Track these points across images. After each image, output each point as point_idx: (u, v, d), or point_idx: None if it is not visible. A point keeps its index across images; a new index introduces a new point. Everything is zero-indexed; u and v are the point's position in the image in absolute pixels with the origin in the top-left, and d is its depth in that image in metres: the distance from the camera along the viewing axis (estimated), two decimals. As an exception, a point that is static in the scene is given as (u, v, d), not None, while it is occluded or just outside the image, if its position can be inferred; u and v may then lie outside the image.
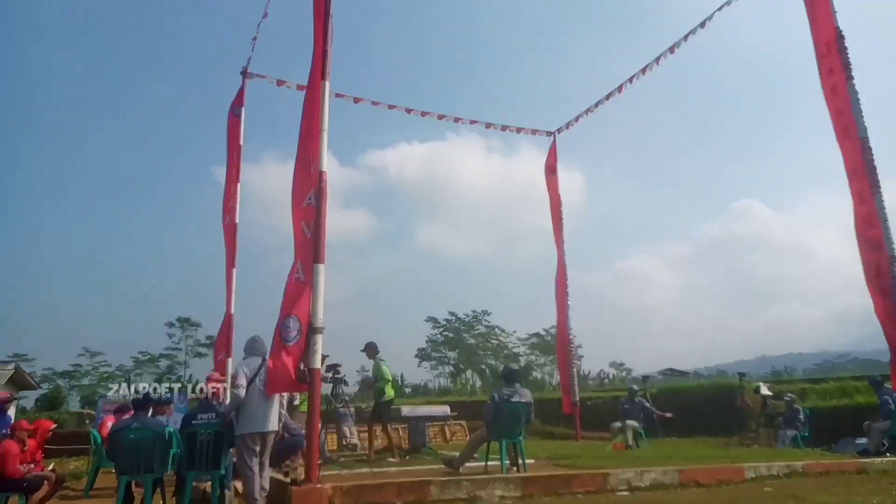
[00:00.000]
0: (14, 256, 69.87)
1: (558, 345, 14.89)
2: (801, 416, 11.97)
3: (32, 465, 7.99)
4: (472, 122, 13.20)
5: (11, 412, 12.27)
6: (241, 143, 11.28)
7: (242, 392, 5.99)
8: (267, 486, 6.12)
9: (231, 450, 6.43)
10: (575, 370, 14.58)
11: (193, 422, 6.15)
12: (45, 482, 7.81)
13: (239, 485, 6.71)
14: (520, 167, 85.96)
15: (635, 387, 13.02)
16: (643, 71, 11.73)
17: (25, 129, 74.92)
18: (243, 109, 11.19)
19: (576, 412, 13.75)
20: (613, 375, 46.08)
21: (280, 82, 11.20)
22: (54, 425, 7.95)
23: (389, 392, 9.31)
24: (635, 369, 52.11)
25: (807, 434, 11.79)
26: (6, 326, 48.74)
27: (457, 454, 7.69)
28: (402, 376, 50.59)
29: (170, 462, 6.47)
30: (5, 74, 73.82)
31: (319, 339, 6.14)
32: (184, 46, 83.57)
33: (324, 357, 8.37)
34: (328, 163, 6.66)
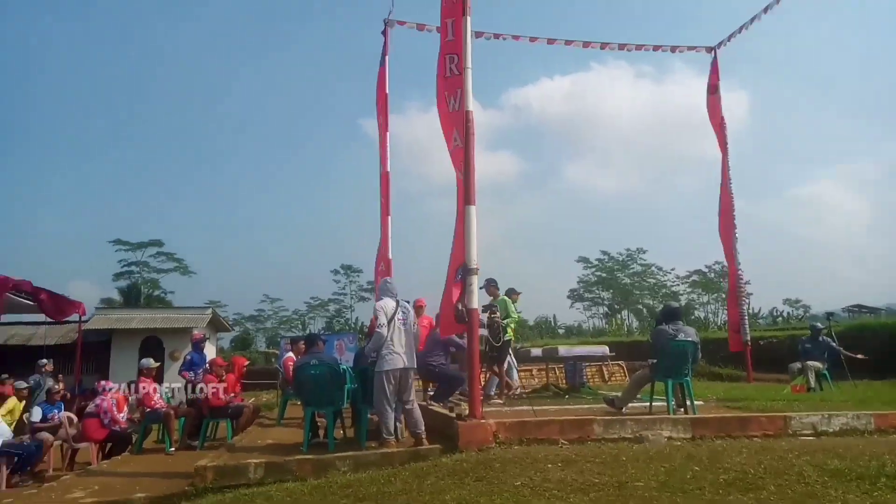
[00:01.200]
0: (206, 215, 78.61)
1: (730, 280, 13.87)
2: None
3: (233, 396, 9.10)
4: (622, 46, 12.25)
5: (209, 351, 14.05)
6: (387, 91, 11.51)
7: (385, 331, 6.15)
8: (419, 417, 6.27)
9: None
10: (744, 308, 13.57)
11: (362, 360, 6.58)
12: (245, 410, 8.89)
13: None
14: (674, 92, 79.38)
15: (819, 325, 11.82)
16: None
17: (210, 100, 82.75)
18: (387, 58, 11.36)
19: (747, 352, 12.89)
20: (788, 313, 42.35)
21: (421, 26, 11.17)
22: (248, 361, 8.92)
23: (510, 332, 9.01)
24: (814, 306, 47.60)
25: None
26: (202, 277, 55.54)
27: (618, 394, 7.53)
28: (554, 317, 50.74)
29: (345, 396, 6.99)
30: (160, 52, 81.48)
31: (475, 279, 6.22)
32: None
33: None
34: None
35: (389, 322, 6.21)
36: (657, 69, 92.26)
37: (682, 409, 6.95)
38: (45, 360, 11.35)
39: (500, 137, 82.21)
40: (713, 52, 13.08)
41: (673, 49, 13.03)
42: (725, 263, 13.80)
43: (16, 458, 8.39)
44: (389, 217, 11.45)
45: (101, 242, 69.55)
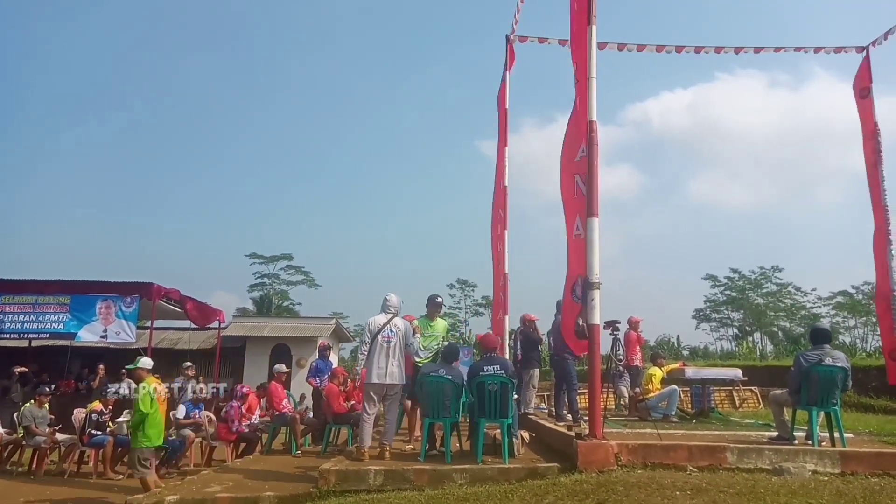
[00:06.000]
0: (332, 232, 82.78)
1: (878, 304, 12.49)
2: None
3: (354, 403, 9.41)
4: (757, 49, 11.42)
5: (333, 359, 14.66)
6: (507, 107, 11.53)
7: (364, 349, 6.68)
8: (393, 430, 6.81)
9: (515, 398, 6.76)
10: (902, 333, 12.11)
11: (481, 373, 6.53)
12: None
13: (525, 434, 7.02)
14: (814, 100, 73.35)
15: None
16: None
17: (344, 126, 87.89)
18: (508, 74, 11.40)
19: (905, 383, 11.48)
20: (954, 342, 37.45)
21: (542, 40, 11.10)
22: (368, 371, 9.19)
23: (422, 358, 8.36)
24: None
25: None
26: (326, 290, 58.36)
27: (773, 434, 6.97)
28: (677, 338, 48.19)
29: (461, 408, 6.98)
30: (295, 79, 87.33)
31: (597, 294, 6.00)
32: (447, 25, 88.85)
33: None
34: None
35: (373, 339, 6.65)
36: (793, 77, 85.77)
37: (827, 442, 6.30)
38: (189, 364, 12.37)
39: (618, 152, 79.94)
40: (865, 51, 11.91)
41: (817, 50, 12.00)
42: (875, 284, 12.39)
43: (163, 452, 9.19)
44: (507, 232, 11.42)
45: (239, 256, 75.30)
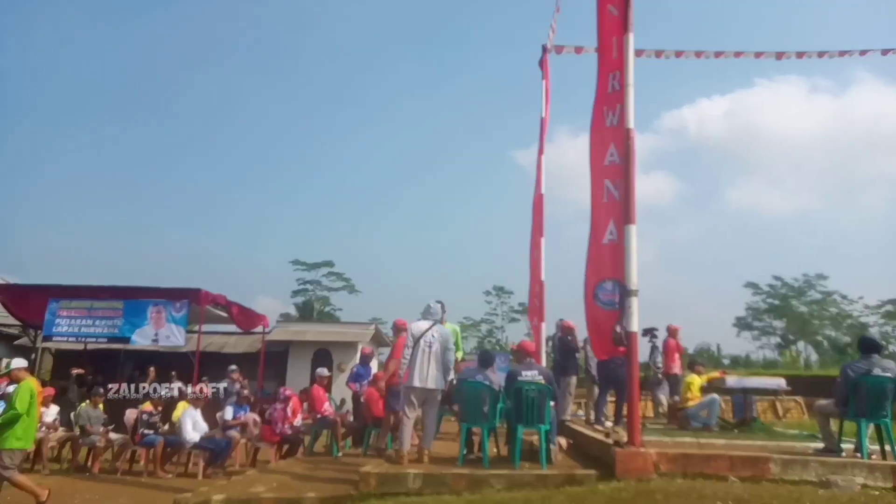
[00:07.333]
0: (372, 239, 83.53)
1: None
2: None
3: (393, 409, 9.54)
4: (800, 54, 11.23)
5: (373, 364, 14.85)
6: (543, 115, 11.57)
7: (408, 353, 6.78)
8: (432, 434, 6.93)
9: (552, 404, 6.78)
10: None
11: (519, 378, 6.58)
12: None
13: (563, 440, 7.05)
14: (858, 105, 71.07)
15: None
16: None
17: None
18: (545, 83, 11.44)
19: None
20: None
21: (578, 49, 11.12)
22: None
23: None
24: None
25: None
26: (366, 296, 58.97)
27: (819, 445, 6.83)
28: (718, 347, 47.21)
29: (498, 414, 7.04)
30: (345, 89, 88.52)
31: (635, 301, 6.02)
32: (482, 35, 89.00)
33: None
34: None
35: (415, 343, 6.79)
36: (836, 82, 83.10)
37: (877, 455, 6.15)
38: (234, 367, 12.72)
39: (653, 159, 78.67)
40: (913, 53, 11.57)
41: (863, 53, 11.71)
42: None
43: (210, 453, 9.49)
44: (543, 239, 11.42)
45: (282, 262, 76.54)
